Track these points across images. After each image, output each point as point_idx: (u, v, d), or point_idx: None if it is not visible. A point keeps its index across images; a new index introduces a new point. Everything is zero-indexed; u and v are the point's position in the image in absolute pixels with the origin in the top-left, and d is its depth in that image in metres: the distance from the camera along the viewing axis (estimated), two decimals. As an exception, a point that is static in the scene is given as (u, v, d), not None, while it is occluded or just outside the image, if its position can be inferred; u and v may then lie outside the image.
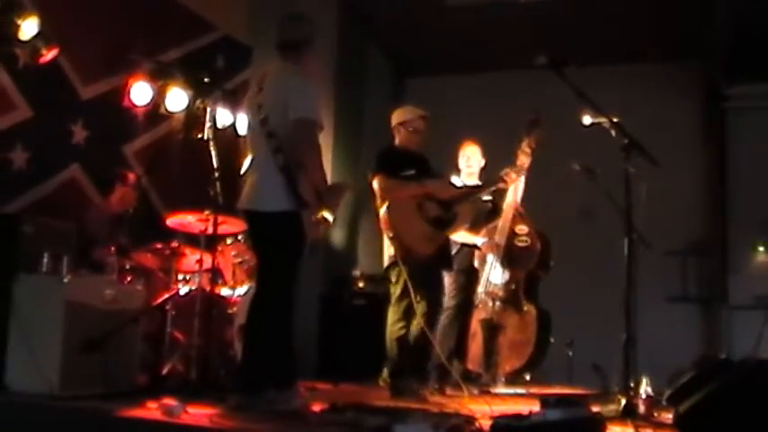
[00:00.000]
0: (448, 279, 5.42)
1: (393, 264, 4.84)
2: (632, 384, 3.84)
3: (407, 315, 4.78)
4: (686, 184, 7.60)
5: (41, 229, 4.32)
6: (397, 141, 5.17)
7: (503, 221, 5.35)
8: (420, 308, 4.70)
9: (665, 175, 4.15)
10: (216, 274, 4.92)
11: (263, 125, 3.80)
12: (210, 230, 4.60)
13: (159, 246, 5.11)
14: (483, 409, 3.82)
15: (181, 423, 3.25)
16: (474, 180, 5.55)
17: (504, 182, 5.13)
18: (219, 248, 5.16)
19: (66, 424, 3.45)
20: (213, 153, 4.57)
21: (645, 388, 3.95)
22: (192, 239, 5.14)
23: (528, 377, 5.40)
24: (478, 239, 5.41)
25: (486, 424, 3.23)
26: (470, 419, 3.45)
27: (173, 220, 5.19)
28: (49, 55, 5.06)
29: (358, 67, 7.96)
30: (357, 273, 7.17)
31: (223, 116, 6.25)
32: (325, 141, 6.42)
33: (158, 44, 6.26)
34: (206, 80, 5.25)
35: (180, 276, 5.12)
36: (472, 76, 8.33)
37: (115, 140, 5.99)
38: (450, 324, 5.36)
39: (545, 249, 5.37)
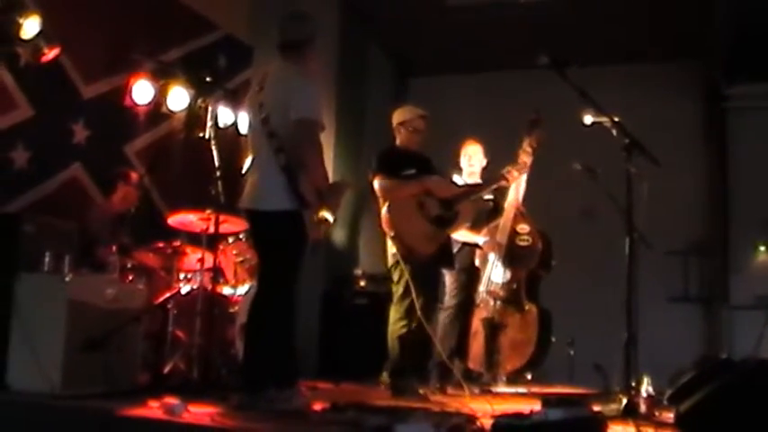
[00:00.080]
0: (449, 278, 5.44)
1: (396, 263, 4.85)
2: (633, 384, 3.84)
3: (409, 314, 4.79)
4: (687, 183, 7.60)
5: (43, 229, 4.32)
6: (398, 141, 5.18)
7: (504, 220, 5.35)
8: (418, 304, 4.72)
9: (666, 175, 4.16)
10: (217, 273, 4.93)
11: (264, 125, 3.80)
12: (212, 229, 4.61)
13: (161, 245, 5.11)
14: (484, 409, 3.82)
15: (182, 422, 3.25)
16: (475, 179, 5.55)
17: (506, 180, 5.13)
18: (221, 247, 5.16)
19: (67, 423, 3.45)
20: (215, 152, 4.58)
21: (646, 387, 3.95)
22: (194, 238, 5.14)
23: (529, 376, 5.40)
24: (480, 238, 5.42)
25: (488, 423, 3.23)
26: (471, 419, 3.45)
27: (174, 219, 5.20)
28: (50, 54, 5.06)
29: (359, 66, 7.96)
30: (358, 272, 7.18)
31: (224, 115, 6.25)
32: (327, 141, 6.43)
33: (160, 43, 6.26)
34: (207, 79, 5.26)
35: (181, 275, 5.12)
36: (473, 75, 8.33)
37: (116, 140, 5.99)
38: (451, 323, 5.37)
39: (546, 249, 5.37)
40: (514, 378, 5.30)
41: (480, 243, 5.42)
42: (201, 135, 4.77)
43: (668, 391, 3.48)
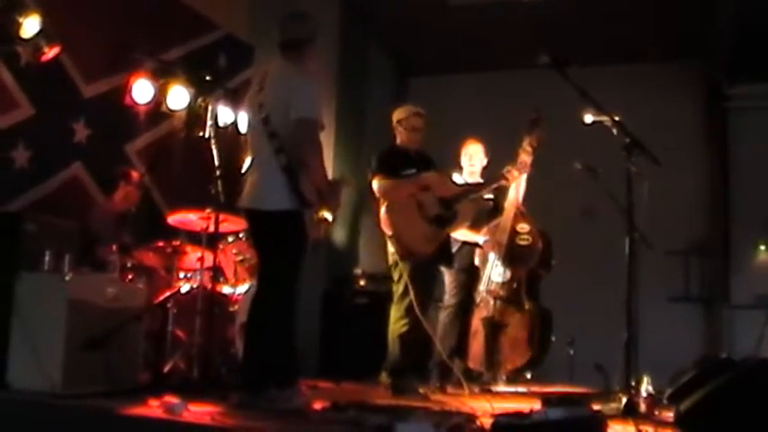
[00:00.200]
0: (448, 277, 5.44)
1: (396, 262, 4.86)
2: (633, 383, 3.85)
3: (410, 313, 4.80)
4: (688, 183, 7.60)
5: (43, 228, 4.32)
6: (398, 141, 5.19)
7: (504, 220, 5.35)
8: (415, 302, 4.73)
9: (667, 175, 4.16)
10: (217, 273, 4.92)
11: (264, 125, 3.80)
12: (212, 228, 4.61)
13: (161, 244, 5.11)
14: (484, 408, 3.82)
15: (182, 421, 3.25)
16: (476, 178, 5.55)
17: (506, 179, 5.14)
18: (221, 246, 5.16)
19: (68, 422, 3.45)
20: (214, 151, 4.57)
21: (646, 387, 3.96)
22: (194, 237, 5.14)
23: (529, 376, 5.40)
24: (480, 237, 5.42)
25: (488, 422, 3.23)
26: (472, 418, 3.45)
27: (174, 219, 5.20)
28: (50, 53, 5.06)
29: (360, 66, 7.96)
30: (359, 271, 7.17)
31: (224, 114, 6.25)
32: (327, 140, 6.45)
33: (160, 43, 6.26)
34: (207, 78, 5.26)
35: (181, 274, 5.12)
36: (474, 75, 8.33)
37: (117, 139, 5.99)
38: (451, 322, 5.37)
39: (546, 248, 5.37)
40: (514, 377, 5.30)
41: (480, 242, 5.42)
42: (201, 134, 4.77)
43: (668, 391, 3.49)
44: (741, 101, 7.51)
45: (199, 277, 4.85)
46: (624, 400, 3.75)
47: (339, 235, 7.40)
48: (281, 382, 3.66)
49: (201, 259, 4.82)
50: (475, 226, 5.36)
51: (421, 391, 4.71)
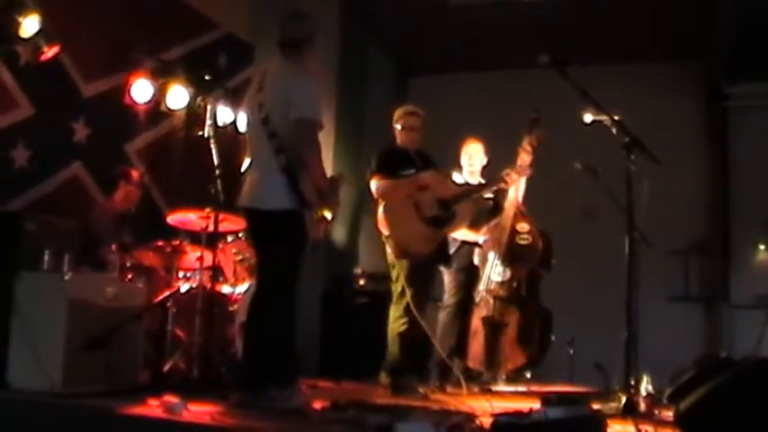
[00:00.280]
0: (448, 277, 5.44)
1: (394, 262, 4.87)
2: (633, 383, 3.85)
3: (408, 312, 4.81)
4: (688, 183, 7.59)
5: (43, 227, 4.32)
6: (398, 141, 5.20)
7: (504, 219, 5.34)
8: (410, 299, 4.74)
9: (667, 174, 4.15)
10: (217, 272, 4.92)
11: (264, 124, 3.80)
12: (211, 228, 4.61)
13: (160, 243, 5.11)
14: (484, 407, 3.82)
15: (182, 421, 3.25)
16: (476, 178, 5.56)
17: (506, 183, 5.17)
18: (220, 246, 5.16)
19: (68, 421, 3.44)
20: (214, 151, 4.57)
21: (646, 386, 3.96)
22: (194, 237, 5.14)
23: (529, 375, 5.40)
24: (480, 237, 5.41)
25: (487, 422, 3.23)
26: (471, 417, 3.45)
27: (174, 218, 5.20)
28: (50, 53, 5.06)
29: (360, 65, 7.95)
30: (358, 271, 7.17)
31: (224, 114, 6.25)
32: (327, 140, 6.45)
33: (160, 42, 6.26)
34: (207, 78, 5.26)
35: (181, 274, 5.12)
36: (474, 74, 8.32)
37: (117, 138, 5.99)
38: (450, 322, 5.38)
39: (546, 248, 5.37)
40: (514, 377, 5.30)
41: (480, 242, 5.42)
42: (201, 134, 4.76)
43: (668, 390, 3.49)
44: (741, 100, 7.51)
45: (198, 277, 4.85)
46: (624, 399, 3.75)
47: (339, 234, 7.39)
48: (281, 382, 3.66)
49: (201, 258, 4.81)
50: (475, 225, 5.36)
51: (420, 390, 4.72)
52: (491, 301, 5.30)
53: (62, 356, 3.85)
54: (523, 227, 5.34)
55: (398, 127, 5.16)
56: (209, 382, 4.29)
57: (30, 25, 4.86)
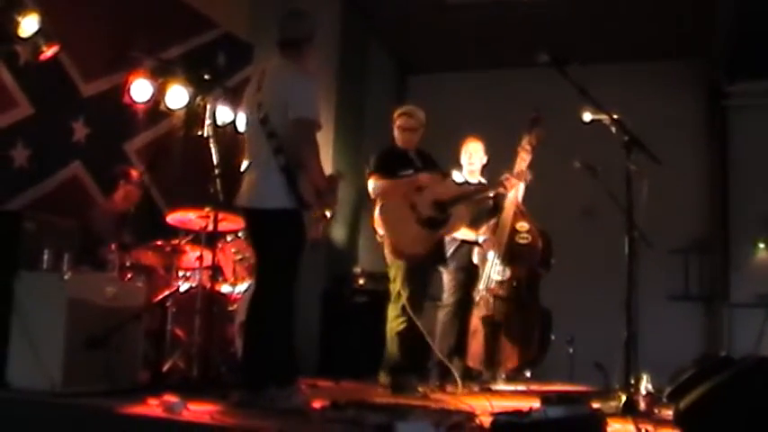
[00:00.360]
0: (447, 276, 5.44)
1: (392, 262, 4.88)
2: (633, 381, 3.85)
3: (407, 310, 4.80)
4: (688, 181, 7.60)
5: (43, 227, 4.31)
6: (396, 141, 5.21)
7: (504, 218, 5.34)
8: (405, 297, 4.75)
9: (667, 173, 4.15)
10: (216, 272, 4.92)
11: (263, 124, 3.80)
12: (211, 227, 4.60)
13: (160, 243, 5.11)
14: (483, 406, 3.82)
15: (182, 420, 3.25)
16: (476, 177, 5.56)
17: (504, 187, 5.18)
18: (220, 245, 5.16)
19: (67, 421, 3.44)
20: (213, 150, 4.57)
21: (645, 385, 3.95)
22: (193, 236, 5.13)
23: (529, 374, 5.40)
24: (479, 236, 5.41)
25: (487, 421, 3.23)
26: (471, 416, 3.45)
27: (173, 218, 5.19)
28: (49, 52, 5.06)
29: (360, 64, 7.95)
30: (358, 270, 7.17)
31: (223, 113, 6.24)
32: (326, 138, 6.45)
33: (159, 41, 6.25)
34: (206, 77, 5.25)
35: (180, 273, 5.11)
36: (474, 73, 8.33)
37: (116, 138, 5.98)
38: (450, 321, 5.37)
39: (546, 247, 5.37)
40: (514, 376, 5.31)
41: (480, 241, 5.41)
42: (200, 133, 4.76)
43: (668, 389, 3.49)
44: (741, 98, 7.52)
45: (198, 276, 4.85)
46: (624, 398, 3.76)
47: (338, 234, 7.39)
48: (281, 381, 3.66)
49: (200, 258, 4.81)
50: (474, 224, 5.36)
51: (420, 389, 4.72)
52: (491, 301, 5.30)
53: (62, 356, 3.84)
54: (523, 226, 5.34)
55: (394, 127, 5.17)
56: (209, 381, 4.29)
57: (29, 25, 4.85)
